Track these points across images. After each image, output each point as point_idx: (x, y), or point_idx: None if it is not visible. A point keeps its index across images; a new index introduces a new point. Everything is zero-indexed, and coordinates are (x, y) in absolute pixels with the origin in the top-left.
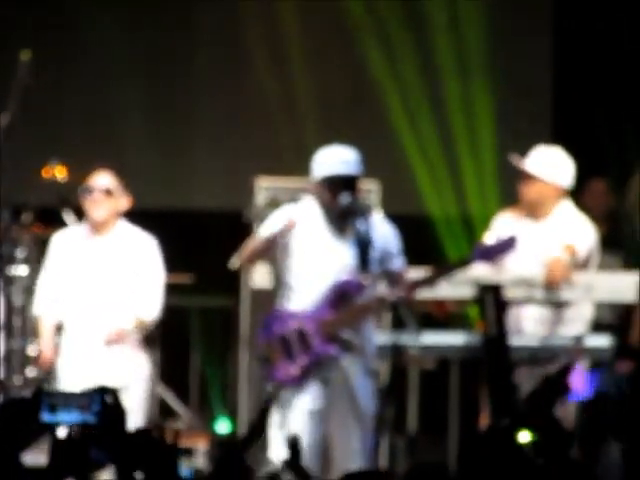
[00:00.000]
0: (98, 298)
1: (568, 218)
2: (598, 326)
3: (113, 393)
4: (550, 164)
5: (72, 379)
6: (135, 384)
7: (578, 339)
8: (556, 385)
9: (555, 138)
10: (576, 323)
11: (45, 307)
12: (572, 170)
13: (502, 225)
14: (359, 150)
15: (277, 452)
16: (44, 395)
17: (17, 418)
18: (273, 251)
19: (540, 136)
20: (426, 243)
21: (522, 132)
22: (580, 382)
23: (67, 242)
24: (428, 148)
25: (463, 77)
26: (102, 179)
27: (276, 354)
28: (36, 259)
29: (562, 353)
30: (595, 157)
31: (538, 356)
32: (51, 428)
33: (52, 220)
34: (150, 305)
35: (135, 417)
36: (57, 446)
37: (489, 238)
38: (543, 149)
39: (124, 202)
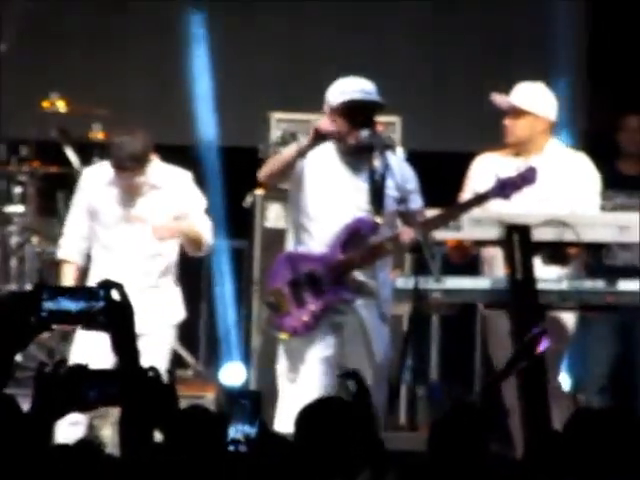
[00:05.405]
0: (131, 241)
1: (564, 153)
2: (631, 270)
3: (120, 287)
4: (538, 98)
5: None
6: (163, 330)
7: (610, 282)
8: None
9: (589, 74)
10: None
11: (71, 250)
12: (556, 104)
13: (489, 166)
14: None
15: (286, 405)
16: (46, 287)
17: (16, 311)
18: (293, 174)
19: (574, 71)
20: (449, 181)
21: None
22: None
23: (99, 179)
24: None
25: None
26: (130, 158)
27: (285, 299)
28: (34, 196)
29: (593, 297)
30: (630, 93)
31: (568, 300)
32: (52, 320)
33: (52, 155)
34: (205, 233)
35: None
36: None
37: (479, 181)
38: (526, 84)
39: (152, 157)
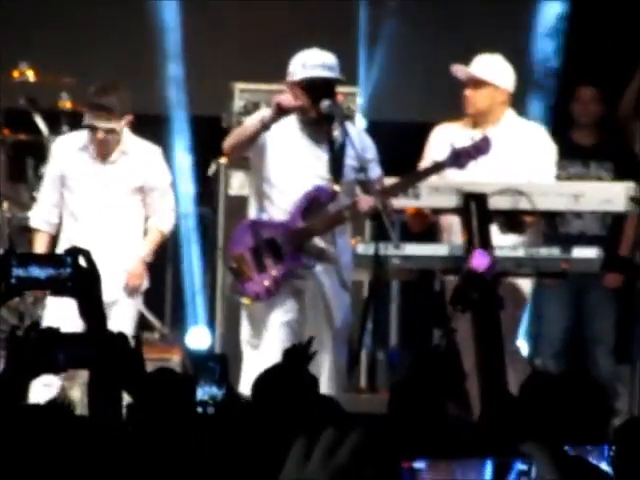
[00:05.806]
0: (99, 208)
1: (521, 124)
2: (585, 237)
3: (87, 254)
4: (498, 69)
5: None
6: (128, 299)
7: (565, 250)
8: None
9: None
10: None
11: (41, 219)
12: (514, 75)
13: (447, 137)
14: (339, 55)
15: (250, 368)
16: (15, 253)
17: None
18: (256, 144)
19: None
20: (408, 151)
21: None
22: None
23: (71, 147)
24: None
25: None
26: (111, 101)
27: (247, 266)
28: (4, 163)
29: (548, 264)
30: (589, 64)
31: (524, 267)
32: (21, 287)
33: (22, 123)
34: (166, 216)
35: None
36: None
37: (438, 151)
38: (486, 56)
39: (128, 118)
